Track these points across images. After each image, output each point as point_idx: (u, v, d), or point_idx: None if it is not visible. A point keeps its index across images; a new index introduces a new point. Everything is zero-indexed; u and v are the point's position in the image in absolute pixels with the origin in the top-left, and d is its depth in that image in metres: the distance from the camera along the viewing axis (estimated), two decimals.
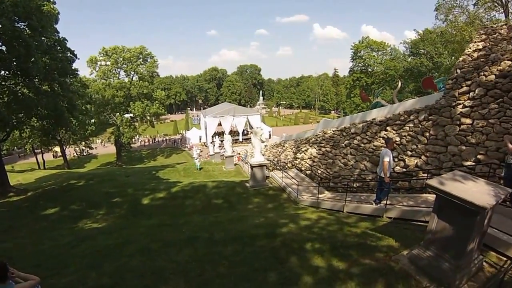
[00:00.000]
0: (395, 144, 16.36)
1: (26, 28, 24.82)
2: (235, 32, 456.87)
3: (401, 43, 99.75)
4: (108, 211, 18.76)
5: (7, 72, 25.68)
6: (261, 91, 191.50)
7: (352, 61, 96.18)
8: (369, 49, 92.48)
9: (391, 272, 7.04)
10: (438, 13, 45.21)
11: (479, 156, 12.76)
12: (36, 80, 26.99)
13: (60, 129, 39.37)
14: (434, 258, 6.80)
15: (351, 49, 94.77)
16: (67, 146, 63.27)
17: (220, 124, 79.90)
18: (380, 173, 12.94)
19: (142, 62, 68.97)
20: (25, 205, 20.71)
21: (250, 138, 31.79)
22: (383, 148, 13.90)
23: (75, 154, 73.69)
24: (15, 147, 68.06)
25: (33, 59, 23.65)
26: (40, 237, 13.66)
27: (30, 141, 53.89)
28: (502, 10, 37.32)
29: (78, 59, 32.83)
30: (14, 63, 24.24)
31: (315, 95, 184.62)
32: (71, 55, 31.40)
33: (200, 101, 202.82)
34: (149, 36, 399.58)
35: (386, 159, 12.45)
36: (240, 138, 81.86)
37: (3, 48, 23.40)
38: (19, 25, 23.71)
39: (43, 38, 27.05)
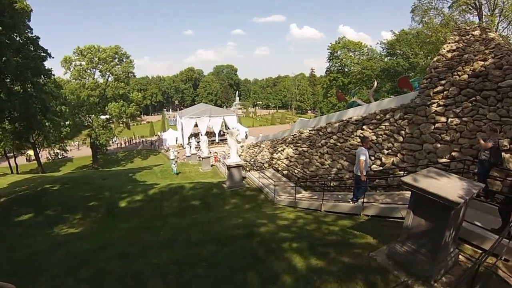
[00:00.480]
0: (371, 143, 16.55)
1: None
2: (212, 32, 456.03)
3: (377, 43, 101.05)
4: (85, 216, 18.38)
5: None
6: (237, 91, 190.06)
7: (329, 61, 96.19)
8: (345, 49, 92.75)
9: (369, 268, 7.14)
10: (414, 15, 45.88)
11: (453, 153, 13.10)
12: (8, 80, 26.36)
13: (33, 132, 38.50)
14: (411, 253, 6.93)
15: (328, 49, 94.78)
16: (41, 149, 61.53)
17: (196, 125, 79.49)
18: (357, 171, 13.06)
19: (117, 62, 67.82)
20: None
21: (227, 139, 31.74)
22: (359, 146, 14.04)
23: (49, 157, 71.46)
24: None
25: (4, 58, 23.09)
26: (14, 244, 13.26)
27: (1, 144, 51.84)
28: (476, 13, 38.13)
29: (53, 57, 32.41)
30: None
31: (292, 95, 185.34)
32: (44, 54, 30.84)
33: (176, 102, 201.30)
34: (124, 35, 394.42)
35: (362, 158, 12.59)
36: (217, 139, 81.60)
37: None
38: None
39: (15, 36, 26.49)
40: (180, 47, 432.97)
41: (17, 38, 26.84)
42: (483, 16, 37.08)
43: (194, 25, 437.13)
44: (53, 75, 35.36)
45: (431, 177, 6.88)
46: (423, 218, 6.74)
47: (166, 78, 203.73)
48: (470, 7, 38.70)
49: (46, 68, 31.56)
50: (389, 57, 76.67)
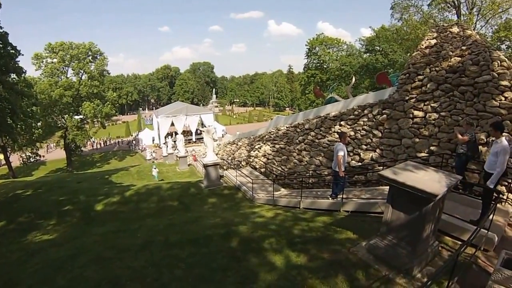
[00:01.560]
0: (349, 138, 16.57)
1: None
2: (189, 29, 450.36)
3: (356, 40, 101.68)
4: (59, 221, 17.89)
5: None
6: (214, 89, 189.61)
7: (307, 58, 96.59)
8: (324, 45, 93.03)
9: (350, 263, 7.15)
10: (393, 12, 46.47)
11: (432, 148, 13.32)
12: None
13: (1, 135, 37.40)
14: (391, 246, 6.99)
15: (306, 45, 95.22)
16: (12, 153, 59.36)
17: (173, 124, 78.45)
18: (335, 167, 13.02)
19: (91, 60, 65.88)
20: None
21: (203, 138, 31.48)
22: (336, 142, 14.00)
23: (21, 161, 69.09)
24: None
25: None
26: None
27: None
28: (455, 11, 38.83)
29: (22, 54, 31.51)
30: None
31: (269, 92, 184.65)
32: (13, 51, 30.09)
33: (152, 100, 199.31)
34: (98, 32, 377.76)
35: (340, 153, 12.56)
36: (193, 138, 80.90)
37: None
38: None
39: None
40: (156, 44, 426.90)
41: None
42: (462, 14, 38.03)
43: (170, 22, 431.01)
44: (24, 72, 34.34)
45: (409, 170, 6.93)
46: (402, 211, 6.78)
47: (142, 76, 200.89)
48: (448, 5, 39.53)
49: (18, 65, 30.84)
50: (368, 54, 77.28)
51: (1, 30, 28.90)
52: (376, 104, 16.30)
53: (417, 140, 13.89)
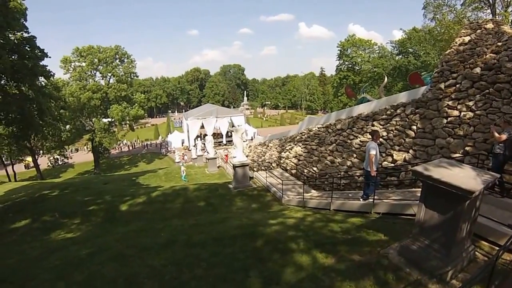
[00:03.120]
0: (381, 139, 16.10)
1: None
2: (218, 31, 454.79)
3: (388, 42, 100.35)
4: (83, 220, 18.01)
5: None
6: (245, 91, 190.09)
7: (339, 59, 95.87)
8: (356, 47, 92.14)
9: (380, 266, 6.73)
10: (426, 11, 45.80)
11: (467, 148, 12.71)
12: (3, 81, 26.12)
13: (31, 135, 37.92)
14: (424, 249, 6.51)
15: (338, 47, 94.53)
16: (40, 156, 59.99)
17: (203, 127, 78.63)
18: (367, 167, 12.69)
19: (119, 63, 67.13)
20: None
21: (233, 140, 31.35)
22: (368, 141, 13.56)
23: (49, 164, 70.31)
24: None
25: None
26: (7, 251, 12.94)
27: None
28: (489, 11, 37.90)
29: (49, 57, 31.96)
30: None
31: (302, 94, 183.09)
32: (40, 54, 30.53)
33: (182, 103, 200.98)
34: (127, 35, 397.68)
35: (372, 152, 12.23)
36: (224, 140, 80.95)
37: None
38: None
39: (10, 35, 26.23)
40: (185, 47, 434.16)
41: (12, 37, 26.53)
42: (496, 14, 36.82)
43: (199, 25, 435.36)
44: (53, 75, 34.79)
45: (443, 167, 6.45)
46: (436, 211, 6.31)
47: (171, 79, 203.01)
48: (483, 3, 38.48)
49: (46, 69, 31.26)
50: (400, 56, 76.15)
51: (28, 34, 29.44)
52: (409, 103, 15.77)
53: (451, 140, 13.30)
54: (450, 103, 13.70)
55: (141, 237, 11.74)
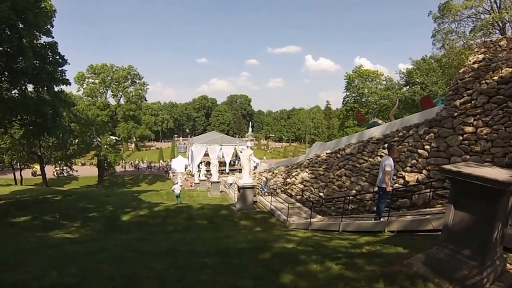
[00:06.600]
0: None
1: (20, 23, 23.48)
2: (226, 61, 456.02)
3: (395, 73, 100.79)
4: (83, 224, 17.81)
5: None
6: (250, 122, 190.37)
7: (346, 91, 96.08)
8: (362, 78, 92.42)
9: (405, 276, 6.02)
10: (435, 40, 45.84)
11: (485, 164, 12.17)
12: (22, 82, 26.12)
13: (44, 136, 37.87)
14: (453, 256, 5.81)
15: (345, 78, 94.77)
16: (47, 164, 60.68)
17: (207, 154, 78.38)
18: (381, 183, 12.17)
19: (130, 84, 67.74)
20: None
21: (237, 169, 30.96)
22: (384, 155, 13.10)
23: (54, 173, 71.16)
24: None
25: (22, 57, 22.83)
26: (4, 241, 12.62)
27: (9, 153, 52.27)
28: (499, 34, 38.00)
29: (69, 63, 31.92)
30: (4, 59, 23.26)
31: (306, 128, 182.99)
32: (61, 60, 30.58)
33: (187, 130, 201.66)
34: (136, 60, 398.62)
35: (388, 168, 11.76)
36: (227, 169, 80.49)
37: None
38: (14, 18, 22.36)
39: (37, 36, 26.74)
40: (194, 75, 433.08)
41: (38, 40, 26.79)
42: (507, 35, 36.95)
43: (208, 54, 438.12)
44: (69, 84, 34.84)
45: (472, 166, 5.95)
46: (467, 211, 5.66)
47: (178, 105, 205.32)
48: (492, 27, 38.79)
49: (64, 76, 31.31)
50: (407, 87, 76.15)
51: (51, 40, 29.49)
52: (422, 123, 15.72)
53: (467, 157, 13.04)
54: (465, 119, 13.69)
55: (142, 245, 11.21)
